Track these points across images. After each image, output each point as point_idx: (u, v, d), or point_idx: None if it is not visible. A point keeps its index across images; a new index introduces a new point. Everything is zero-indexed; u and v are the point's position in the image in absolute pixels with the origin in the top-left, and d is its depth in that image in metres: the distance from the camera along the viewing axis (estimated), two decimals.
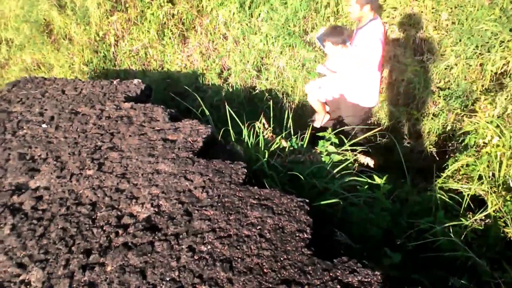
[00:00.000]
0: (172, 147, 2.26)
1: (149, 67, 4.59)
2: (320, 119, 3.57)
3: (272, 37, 4.06)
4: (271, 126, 2.56)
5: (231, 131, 2.54)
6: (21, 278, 1.52)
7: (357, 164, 2.28)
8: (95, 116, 2.72)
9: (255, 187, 1.84)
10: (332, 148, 2.34)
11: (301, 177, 2.15)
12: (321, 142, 2.45)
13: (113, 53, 4.66)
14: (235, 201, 1.77)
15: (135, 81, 3.26)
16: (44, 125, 2.67)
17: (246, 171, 1.98)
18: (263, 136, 2.39)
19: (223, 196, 1.81)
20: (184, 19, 4.43)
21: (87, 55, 4.61)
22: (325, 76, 3.40)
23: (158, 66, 4.57)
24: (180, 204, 1.80)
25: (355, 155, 2.33)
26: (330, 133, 2.50)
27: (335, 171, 2.24)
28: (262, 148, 2.27)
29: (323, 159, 2.35)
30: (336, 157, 2.37)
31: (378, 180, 2.07)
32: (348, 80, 3.13)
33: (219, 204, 1.76)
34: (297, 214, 1.64)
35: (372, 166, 2.24)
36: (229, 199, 1.79)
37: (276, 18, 4.06)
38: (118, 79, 3.25)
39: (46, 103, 3.00)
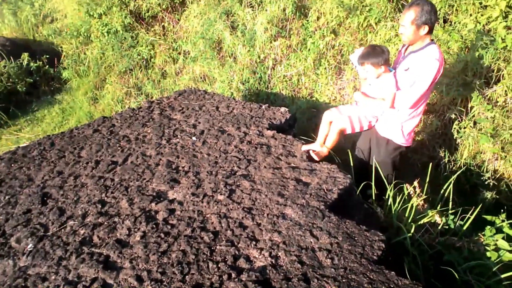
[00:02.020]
0: (304, 191, 2.09)
1: (299, 94, 4.59)
2: (314, 149, 2.83)
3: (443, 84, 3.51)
4: (425, 191, 2.12)
5: (373, 186, 2.22)
6: None
7: None
8: (238, 138, 2.78)
9: (392, 273, 1.50)
10: (504, 244, 1.77)
11: (454, 267, 1.68)
12: (488, 230, 1.89)
13: (269, 76, 4.84)
14: (364, 283, 1.46)
15: (282, 109, 3.24)
16: (194, 138, 2.87)
17: (383, 246, 1.64)
18: (413, 203, 1.99)
19: (350, 271, 1.52)
20: (344, 51, 4.27)
21: (246, 74, 4.92)
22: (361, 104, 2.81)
23: (307, 94, 4.53)
24: (299, 264, 1.60)
25: None
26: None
27: (503, 275, 1.68)
28: (409, 220, 1.88)
29: (487, 253, 1.80)
30: (508, 256, 1.79)
31: None
32: (386, 110, 2.67)
33: (343, 280, 1.48)
34: None
35: None
36: (357, 277, 1.49)
37: (451, 63, 3.49)
38: (267, 104, 3.29)
39: (201, 116, 3.25)
